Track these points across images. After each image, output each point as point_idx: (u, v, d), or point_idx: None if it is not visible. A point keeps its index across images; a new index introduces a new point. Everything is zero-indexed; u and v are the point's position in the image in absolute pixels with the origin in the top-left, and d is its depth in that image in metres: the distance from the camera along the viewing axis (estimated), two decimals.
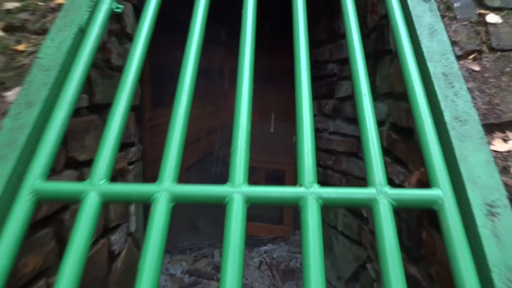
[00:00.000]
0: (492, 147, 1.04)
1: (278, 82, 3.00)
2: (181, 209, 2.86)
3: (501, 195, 0.91)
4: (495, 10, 1.33)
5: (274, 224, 2.90)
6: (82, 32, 1.28)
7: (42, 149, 1.01)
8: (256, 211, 2.94)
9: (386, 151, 1.59)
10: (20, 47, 1.30)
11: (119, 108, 1.09)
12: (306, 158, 0.98)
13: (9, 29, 1.37)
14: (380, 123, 1.69)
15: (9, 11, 1.42)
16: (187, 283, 2.31)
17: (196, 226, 2.96)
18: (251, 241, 2.84)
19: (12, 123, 1.06)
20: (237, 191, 0.93)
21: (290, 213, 2.99)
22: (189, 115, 1.09)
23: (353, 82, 1.17)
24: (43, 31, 1.35)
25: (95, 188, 0.94)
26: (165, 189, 0.93)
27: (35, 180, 0.96)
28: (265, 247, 2.75)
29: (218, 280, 2.43)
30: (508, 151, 1.03)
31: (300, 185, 0.94)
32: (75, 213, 1.40)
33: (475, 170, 0.94)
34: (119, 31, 1.71)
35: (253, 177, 3.04)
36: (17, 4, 1.43)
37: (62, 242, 1.26)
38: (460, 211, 0.91)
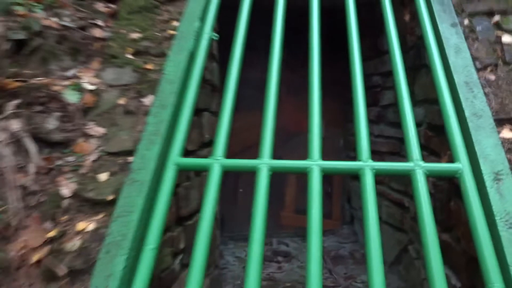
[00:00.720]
0: (501, 135, 1.40)
1: (327, 93, 3.40)
2: (244, 204, 3.30)
3: (504, 167, 1.28)
4: (510, 32, 1.70)
5: (324, 218, 3.26)
6: (191, 55, 1.75)
7: (177, 137, 1.47)
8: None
9: (424, 147, 1.96)
10: (148, 66, 1.79)
11: (226, 110, 1.54)
12: (363, 141, 1.39)
13: (137, 53, 1.86)
14: (418, 124, 2.06)
15: (134, 40, 1.92)
16: None
17: None
18: (304, 233, 3.24)
19: (154, 119, 1.52)
20: (315, 163, 1.34)
21: (339, 208, 3.36)
22: (275, 114, 1.52)
23: (396, 91, 1.56)
24: (162, 54, 1.83)
25: (218, 162, 1.38)
26: (266, 162, 1.36)
27: (175, 157, 1.41)
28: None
29: (276, 261, 2.83)
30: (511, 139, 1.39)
31: (359, 160, 1.35)
32: (187, 188, 1.87)
33: (486, 150, 1.32)
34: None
35: None
36: (139, 35, 1.93)
37: (178, 207, 1.72)
38: (474, 177, 1.28)
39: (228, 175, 2.47)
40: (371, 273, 1.09)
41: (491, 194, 1.23)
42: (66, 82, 1.72)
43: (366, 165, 1.33)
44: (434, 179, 1.85)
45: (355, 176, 2.76)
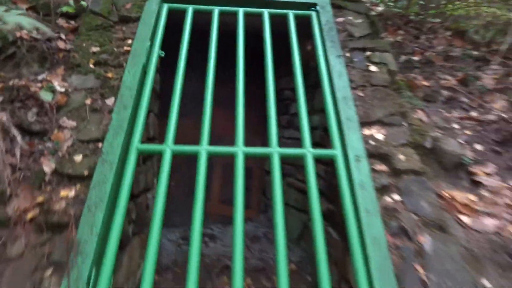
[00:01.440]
0: (363, 133, 2.09)
1: (251, 105, 3.99)
2: (175, 196, 3.75)
3: (363, 152, 1.95)
4: (375, 63, 2.42)
5: (245, 209, 3.84)
6: (144, 68, 2.24)
7: (136, 129, 1.95)
8: (231, 196, 3.87)
9: (319, 143, 2.62)
10: (108, 75, 2.24)
11: (173, 112, 2.05)
12: (273, 131, 1.98)
13: (97, 64, 2.30)
14: (315, 128, 2.73)
15: (94, 53, 2.35)
16: (182, 243, 3.22)
17: (186, 208, 3.85)
18: (227, 220, 3.79)
19: (118, 116, 1.99)
20: (240, 149, 1.91)
21: (256, 200, 3.95)
22: (211, 112, 2.07)
23: (297, 103, 2.19)
24: (119, 65, 2.29)
25: (169, 147, 1.89)
26: (205, 148, 1.90)
27: (136, 143, 1.90)
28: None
29: (204, 242, 3.33)
30: (370, 135, 2.08)
31: (270, 147, 1.94)
32: (137, 173, 2.31)
33: (353, 142, 1.98)
34: None
35: (232, 171, 3.99)
36: (98, 49, 2.37)
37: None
38: (344, 159, 1.94)
39: None
40: (277, 245, 1.67)
41: (353, 170, 1.89)
42: (39, 85, 2.11)
43: (275, 150, 1.93)
44: (325, 167, 2.52)
45: (269, 172, 3.39)
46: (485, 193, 1.98)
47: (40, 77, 2.18)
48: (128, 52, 2.34)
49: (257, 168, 4.01)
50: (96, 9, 2.63)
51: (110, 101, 2.13)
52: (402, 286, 1.59)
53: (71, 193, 1.76)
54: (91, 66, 2.28)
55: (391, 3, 3.38)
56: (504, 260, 1.68)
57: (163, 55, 2.40)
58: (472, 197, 1.95)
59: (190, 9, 2.58)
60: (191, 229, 1.65)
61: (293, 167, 3.39)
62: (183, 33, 2.44)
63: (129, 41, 2.42)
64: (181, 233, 3.48)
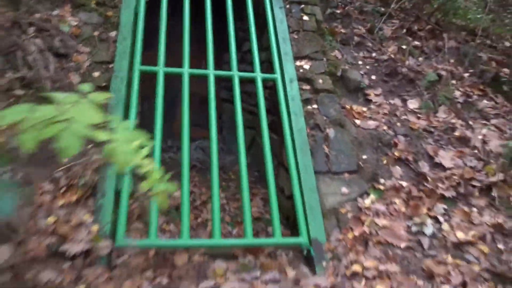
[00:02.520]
0: (296, 63, 3.00)
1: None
2: None
3: (294, 77, 2.87)
4: (307, 14, 3.30)
5: (204, 128, 4.72)
6: (135, 10, 2.96)
7: (137, 54, 2.72)
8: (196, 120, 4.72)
9: (265, 73, 3.51)
10: (108, 14, 2.93)
11: (162, 42, 2.83)
12: (233, 58, 2.85)
13: (98, 4, 2.97)
14: (262, 62, 3.59)
15: None
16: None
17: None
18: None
19: (121, 45, 2.74)
20: (211, 72, 2.76)
21: None
22: (189, 44, 2.87)
23: (250, 41, 3.04)
24: (116, 6, 2.98)
25: (161, 68, 2.69)
26: (187, 70, 2.72)
27: (138, 65, 2.68)
28: (197, 142, 4.59)
29: (173, 152, 4.19)
30: (300, 65, 2.99)
31: (232, 71, 2.80)
32: None
33: (288, 69, 2.89)
34: None
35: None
36: None
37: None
38: (281, 81, 2.85)
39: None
40: (239, 153, 2.57)
41: (287, 88, 2.81)
42: (57, 19, 2.79)
43: (235, 73, 2.80)
44: (269, 90, 3.42)
45: (228, 101, 4.23)
46: (372, 106, 3.00)
47: (54, 13, 2.84)
48: None
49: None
50: None
51: (112, 34, 2.85)
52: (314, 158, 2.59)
53: None
54: (93, 5, 2.96)
55: None
56: (376, 144, 2.73)
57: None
58: (364, 108, 2.97)
59: None
60: (181, 138, 2.51)
61: (245, 94, 4.28)
62: None
63: None
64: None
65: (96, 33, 2.82)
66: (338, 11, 3.67)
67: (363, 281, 2.03)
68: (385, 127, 2.83)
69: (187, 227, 2.17)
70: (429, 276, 2.03)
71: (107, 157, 0.99)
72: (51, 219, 2.00)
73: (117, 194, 2.21)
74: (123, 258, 2.10)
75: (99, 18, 2.91)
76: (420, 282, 2.00)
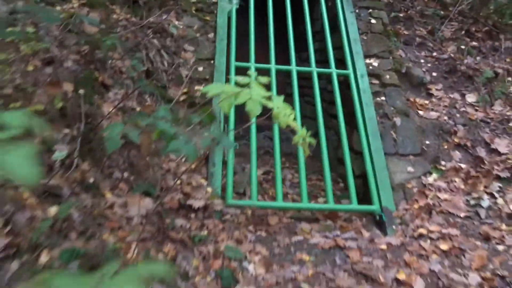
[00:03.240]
0: (366, 61, 3.44)
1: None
2: None
3: (365, 72, 3.32)
4: (375, 18, 3.72)
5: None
6: (228, 14, 3.50)
7: (232, 52, 3.25)
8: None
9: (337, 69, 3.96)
10: (206, 18, 3.49)
11: (251, 42, 3.35)
12: (311, 54, 3.33)
13: (197, 10, 3.54)
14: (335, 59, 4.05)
15: (194, 2, 3.58)
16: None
17: None
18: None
19: (219, 45, 3.28)
20: (294, 68, 3.25)
21: None
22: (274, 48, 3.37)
23: (325, 40, 3.51)
24: (212, 12, 3.54)
25: (252, 64, 3.21)
26: (273, 66, 3.23)
27: (234, 61, 3.21)
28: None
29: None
30: (370, 63, 3.43)
31: (310, 67, 3.28)
32: None
33: (359, 66, 3.34)
34: None
35: None
36: (195, 0, 3.60)
37: None
38: (353, 76, 3.30)
39: None
40: (320, 139, 3.04)
41: (359, 82, 3.26)
42: (166, 23, 3.37)
43: (313, 69, 3.27)
44: (340, 85, 3.87)
45: (290, 95, 4.51)
46: (433, 99, 3.39)
47: (163, 18, 3.43)
48: (216, 3, 3.59)
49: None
50: None
51: (211, 35, 3.41)
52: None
53: (201, 87, 3.10)
54: (194, 11, 3.53)
55: None
56: (437, 131, 3.13)
57: (238, 6, 3.64)
58: (426, 101, 3.37)
59: None
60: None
61: (309, 89, 4.74)
62: None
63: None
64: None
65: (197, 34, 3.39)
66: (401, 15, 4.06)
67: (428, 241, 2.45)
68: (445, 117, 3.22)
69: (281, 192, 2.67)
70: (486, 238, 2.43)
71: (274, 119, 1.49)
72: (178, 181, 2.56)
73: (224, 164, 2.74)
74: (229, 215, 2.63)
75: (199, 22, 3.48)
76: (478, 243, 2.39)
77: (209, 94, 1.49)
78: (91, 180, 2.17)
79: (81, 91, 2.34)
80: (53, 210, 1.82)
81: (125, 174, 2.38)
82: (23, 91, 2.04)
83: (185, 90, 3.06)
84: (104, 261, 1.66)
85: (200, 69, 3.19)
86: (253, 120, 1.52)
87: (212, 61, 3.24)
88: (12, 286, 1.42)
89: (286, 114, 1.51)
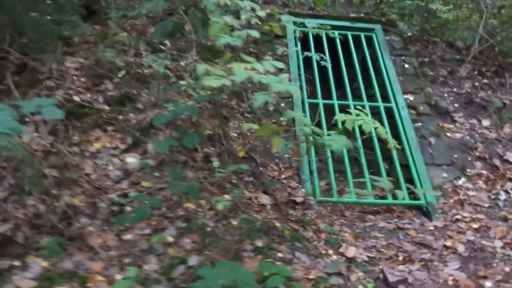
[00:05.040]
0: (404, 96, 4.54)
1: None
2: None
3: (404, 105, 4.41)
4: (407, 63, 4.84)
5: None
6: (298, 63, 4.64)
7: (304, 93, 4.37)
8: None
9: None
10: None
11: (317, 82, 4.47)
12: (363, 93, 4.44)
13: None
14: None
15: (268, 55, 4.74)
16: None
17: None
18: None
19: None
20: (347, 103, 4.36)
21: None
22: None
23: (372, 82, 4.62)
24: (285, 62, 4.69)
25: (321, 101, 4.32)
26: (335, 101, 4.34)
27: (306, 99, 4.32)
28: None
29: None
30: (407, 98, 4.53)
31: (362, 101, 4.38)
32: None
33: (399, 100, 4.43)
34: None
35: None
36: (270, 53, 4.76)
37: None
38: (396, 108, 4.40)
39: None
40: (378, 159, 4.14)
41: (400, 112, 4.34)
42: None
43: (366, 103, 4.37)
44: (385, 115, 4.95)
45: None
46: (457, 124, 4.46)
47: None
48: (287, 54, 4.74)
49: None
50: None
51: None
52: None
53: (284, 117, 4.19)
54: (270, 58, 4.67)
55: (410, 22, 5.79)
56: (462, 148, 4.17)
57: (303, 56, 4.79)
58: (451, 125, 4.43)
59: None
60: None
61: None
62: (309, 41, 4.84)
63: (284, 48, 4.81)
64: None
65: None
66: (426, 59, 5.19)
67: (463, 223, 3.46)
68: (467, 137, 4.28)
69: (353, 191, 3.71)
70: (504, 219, 3.44)
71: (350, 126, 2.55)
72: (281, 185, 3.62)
73: (311, 172, 3.80)
74: (317, 208, 3.66)
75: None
76: (499, 222, 3.40)
77: (347, 124, 2.56)
78: (234, 180, 3.24)
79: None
80: (226, 197, 2.89)
81: (251, 178, 3.44)
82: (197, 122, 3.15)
83: (274, 120, 4.16)
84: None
85: (282, 104, 4.30)
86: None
87: (290, 99, 4.35)
88: None
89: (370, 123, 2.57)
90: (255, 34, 2.16)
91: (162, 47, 4.23)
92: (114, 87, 3.34)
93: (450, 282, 2.75)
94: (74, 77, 3.32)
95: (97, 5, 4.24)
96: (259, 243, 2.58)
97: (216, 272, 1.55)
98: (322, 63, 4.41)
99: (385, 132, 2.60)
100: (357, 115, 2.59)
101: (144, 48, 4.02)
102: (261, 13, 2.86)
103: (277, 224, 2.89)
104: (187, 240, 2.33)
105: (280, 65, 2.00)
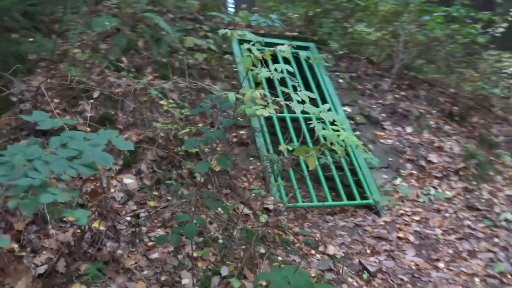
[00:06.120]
0: (342, 108, 5.12)
1: None
2: None
3: (344, 116, 4.99)
4: (340, 78, 5.45)
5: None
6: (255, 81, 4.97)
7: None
8: None
9: None
10: (234, 82, 4.91)
11: None
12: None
13: (226, 77, 4.95)
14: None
15: (221, 71, 4.98)
16: None
17: None
18: None
19: None
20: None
21: None
22: None
23: (314, 92, 5.14)
24: (235, 78, 4.97)
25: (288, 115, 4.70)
26: (287, 115, 4.75)
27: None
28: None
29: None
30: (345, 109, 5.12)
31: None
32: None
33: (337, 110, 5.00)
34: None
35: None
36: (222, 69, 5.01)
37: None
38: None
39: None
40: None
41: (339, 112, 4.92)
42: (207, 86, 4.72)
43: (313, 116, 4.86)
44: None
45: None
46: (387, 131, 5.16)
47: (205, 84, 4.76)
48: (237, 71, 5.03)
49: None
50: (212, 48, 5.22)
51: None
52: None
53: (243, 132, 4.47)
54: (223, 78, 4.92)
55: (338, 41, 6.45)
56: (395, 152, 4.86)
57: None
58: (382, 133, 5.12)
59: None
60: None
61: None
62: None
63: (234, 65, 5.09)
64: None
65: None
66: (354, 75, 5.88)
67: (407, 217, 4.09)
68: (397, 143, 4.99)
69: (314, 196, 4.13)
70: (437, 211, 4.14)
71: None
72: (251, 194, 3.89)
73: (276, 180, 4.14)
74: (285, 213, 4.01)
75: (228, 85, 4.88)
76: (434, 213, 4.09)
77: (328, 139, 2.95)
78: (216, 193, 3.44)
79: None
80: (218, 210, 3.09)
81: (228, 190, 3.66)
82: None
83: (234, 134, 4.42)
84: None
85: (240, 119, 4.57)
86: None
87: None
88: None
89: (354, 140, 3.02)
90: (289, 68, 2.43)
91: (121, 64, 4.23)
92: (91, 108, 3.32)
93: (413, 267, 3.30)
94: (47, 99, 3.23)
95: (56, 23, 4.11)
96: (262, 250, 2.85)
97: (281, 275, 1.80)
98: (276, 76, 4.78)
99: (354, 141, 3.04)
100: (337, 130, 2.98)
101: (105, 66, 4.00)
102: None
103: (269, 232, 3.17)
104: (208, 253, 2.50)
105: (312, 95, 2.27)
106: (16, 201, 1.14)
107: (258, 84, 4.20)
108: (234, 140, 4.37)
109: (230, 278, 2.27)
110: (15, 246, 2.06)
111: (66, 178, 1.87)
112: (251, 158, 4.31)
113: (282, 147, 2.58)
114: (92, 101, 3.34)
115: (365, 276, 3.00)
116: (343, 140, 2.99)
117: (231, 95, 2.20)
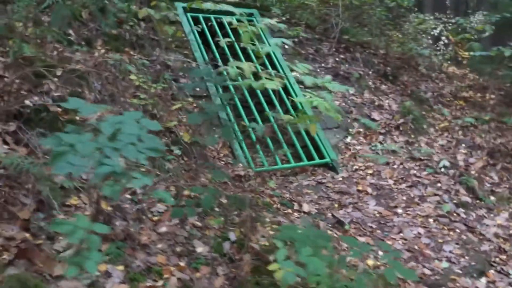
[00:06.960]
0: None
1: None
2: None
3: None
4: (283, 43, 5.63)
5: None
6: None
7: None
8: None
9: None
10: (186, 52, 4.85)
11: None
12: None
13: (177, 46, 4.87)
14: None
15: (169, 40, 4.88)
16: None
17: None
18: None
19: None
20: None
21: None
22: None
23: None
24: (186, 48, 4.91)
25: None
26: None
27: None
28: None
29: None
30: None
31: None
32: None
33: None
34: None
35: None
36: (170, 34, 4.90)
37: None
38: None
39: None
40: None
41: (294, 87, 5.13)
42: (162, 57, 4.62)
43: None
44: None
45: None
46: (332, 93, 5.48)
47: (157, 54, 4.65)
48: (188, 40, 4.96)
49: None
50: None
51: (194, 64, 4.79)
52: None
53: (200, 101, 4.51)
54: (175, 48, 4.83)
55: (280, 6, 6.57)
56: (343, 112, 5.22)
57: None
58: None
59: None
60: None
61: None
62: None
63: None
64: None
65: (185, 65, 4.73)
66: (296, 40, 6.08)
67: (361, 171, 4.49)
68: (343, 103, 5.35)
69: (278, 159, 4.35)
70: (387, 164, 4.59)
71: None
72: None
73: (241, 146, 4.28)
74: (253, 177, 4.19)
75: (181, 56, 4.82)
76: (384, 166, 4.54)
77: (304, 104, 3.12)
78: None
79: None
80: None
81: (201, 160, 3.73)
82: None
83: (194, 104, 4.43)
84: None
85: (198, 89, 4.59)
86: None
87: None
88: None
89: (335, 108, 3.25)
90: (287, 43, 2.50)
91: (70, 38, 3.98)
92: (56, 87, 3.14)
93: (377, 215, 3.70)
94: (5, 79, 2.99)
95: None
96: (252, 214, 3.02)
97: (296, 233, 1.99)
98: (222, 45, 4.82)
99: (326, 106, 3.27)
100: (311, 97, 3.17)
101: (56, 40, 3.76)
102: None
103: (251, 196, 3.34)
104: (210, 222, 2.62)
105: (308, 66, 2.39)
106: (111, 188, 1.16)
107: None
108: (196, 110, 4.39)
109: (239, 242, 2.43)
110: (27, 235, 2.00)
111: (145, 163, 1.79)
112: (214, 128, 4.38)
113: (267, 113, 2.71)
114: (56, 79, 3.15)
115: (347, 227, 3.33)
116: (315, 106, 3.20)
117: (233, 70, 2.26)
